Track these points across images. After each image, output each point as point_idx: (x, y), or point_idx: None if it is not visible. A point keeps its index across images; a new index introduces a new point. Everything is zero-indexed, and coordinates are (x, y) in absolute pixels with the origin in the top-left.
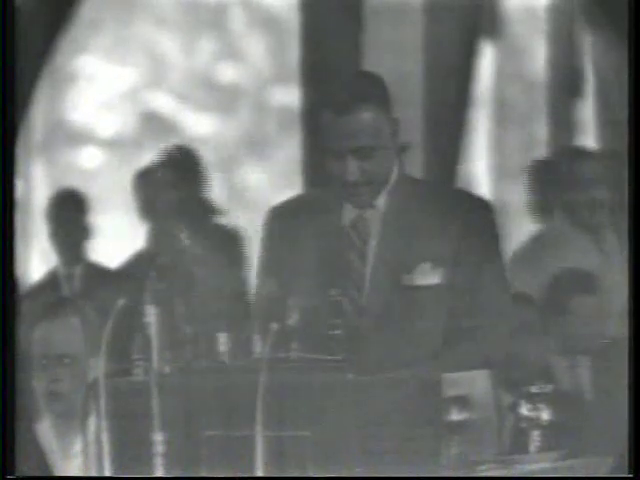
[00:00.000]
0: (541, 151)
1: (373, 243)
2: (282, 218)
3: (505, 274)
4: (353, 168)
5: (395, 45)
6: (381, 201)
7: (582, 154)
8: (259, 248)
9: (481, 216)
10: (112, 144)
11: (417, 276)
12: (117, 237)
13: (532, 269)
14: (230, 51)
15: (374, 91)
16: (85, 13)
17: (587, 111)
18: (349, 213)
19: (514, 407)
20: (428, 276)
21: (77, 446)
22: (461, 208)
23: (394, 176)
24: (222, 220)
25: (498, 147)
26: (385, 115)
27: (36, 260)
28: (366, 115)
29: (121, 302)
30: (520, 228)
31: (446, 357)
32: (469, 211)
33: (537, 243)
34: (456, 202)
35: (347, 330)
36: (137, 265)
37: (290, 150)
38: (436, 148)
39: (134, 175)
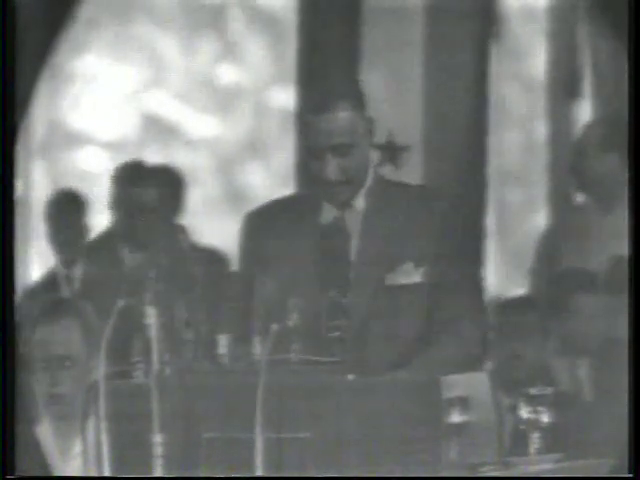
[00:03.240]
0: (541, 151)
1: (354, 243)
2: (259, 222)
3: (480, 273)
4: (332, 166)
5: (395, 46)
6: (359, 202)
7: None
8: (238, 253)
9: (458, 215)
10: (112, 145)
11: (400, 275)
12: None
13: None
14: (230, 52)
15: (349, 90)
16: (85, 13)
17: (587, 111)
18: (327, 214)
19: (514, 409)
20: (411, 275)
21: (77, 447)
22: (438, 208)
23: (370, 176)
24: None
25: (498, 147)
26: (360, 114)
27: (35, 261)
28: (342, 114)
29: (121, 303)
30: (520, 228)
31: (426, 356)
32: (446, 210)
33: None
34: (432, 202)
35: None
36: (137, 266)
37: (289, 151)
38: (437, 149)
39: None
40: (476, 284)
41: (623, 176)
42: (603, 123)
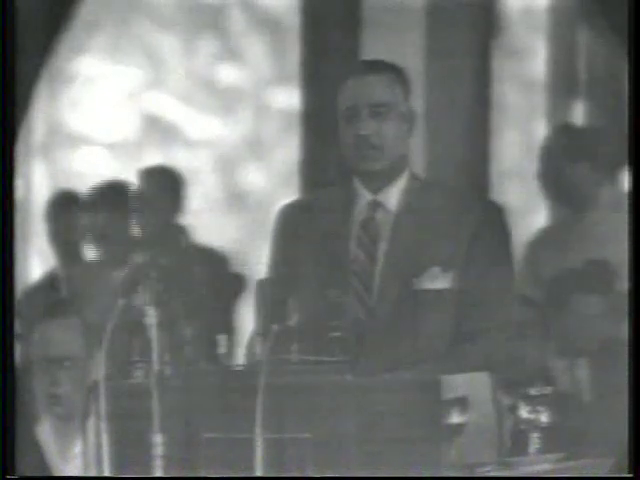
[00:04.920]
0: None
1: (383, 244)
2: (291, 217)
3: (512, 277)
4: (367, 122)
5: (395, 46)
6: (392, 202)
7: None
8: (270, 247)
9: (493, 219)
10: (111, 145)
11: (426, 280)
12: None
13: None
14: (230, 52)
15: (396, 69)
16: (85, 14)
17: (586, 111)
18: (359, 214)
19: (513, 409)
20: (437, 280)
21: (77, 448)
22: (473, 211)
23: (406, 175)
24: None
25: (498, 147)
26: (404, 97)
27: (35, 261)
28: (385, 79)
29: (121, 303)
30: (520, 229)
31: (449, 359)
32: (481, 214)
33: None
34: (468, 205)
35: (352, 331)
36: (137, 266)
37: (290, 152)
38: (440, 149)
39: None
40: (506, 294)
41: (593, 182)
42: (568, 131)
